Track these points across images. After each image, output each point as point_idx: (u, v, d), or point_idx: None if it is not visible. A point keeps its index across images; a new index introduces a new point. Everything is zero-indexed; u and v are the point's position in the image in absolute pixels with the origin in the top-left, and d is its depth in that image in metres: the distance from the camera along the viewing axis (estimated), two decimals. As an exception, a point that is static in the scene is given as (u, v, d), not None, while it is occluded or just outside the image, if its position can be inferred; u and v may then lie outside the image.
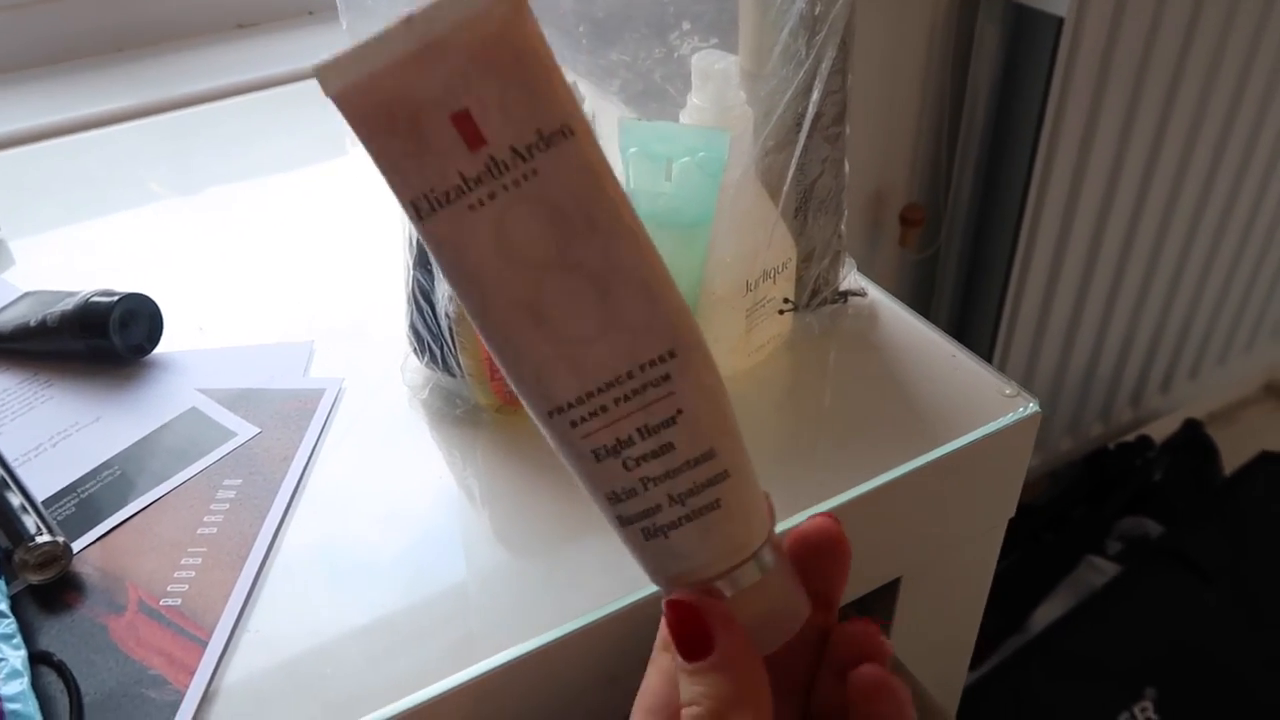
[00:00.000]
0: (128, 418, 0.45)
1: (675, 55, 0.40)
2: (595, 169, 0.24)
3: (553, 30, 0.37)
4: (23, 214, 0.61)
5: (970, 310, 1.20)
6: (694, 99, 0.40)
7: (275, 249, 0.57)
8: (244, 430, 0.44)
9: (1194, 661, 1.10)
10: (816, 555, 0.31)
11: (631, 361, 0.26)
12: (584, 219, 0.24)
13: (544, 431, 0.27)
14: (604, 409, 0.26)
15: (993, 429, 0.42)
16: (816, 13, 0.39)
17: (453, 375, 0.43)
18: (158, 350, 0.49)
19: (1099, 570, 1.20)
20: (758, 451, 0.28)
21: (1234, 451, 1.35)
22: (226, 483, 0.41)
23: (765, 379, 0.46)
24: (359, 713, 0.32)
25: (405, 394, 0.45)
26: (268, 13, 0.82)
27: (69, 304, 0.47)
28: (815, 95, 0.40)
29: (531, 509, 0.40)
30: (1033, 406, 0.43)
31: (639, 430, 0.26)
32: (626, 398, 0.26)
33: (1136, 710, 1.06)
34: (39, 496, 0.40)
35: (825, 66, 0.40)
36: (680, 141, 0.39)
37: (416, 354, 0.44)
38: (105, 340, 0.46)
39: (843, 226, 0.47)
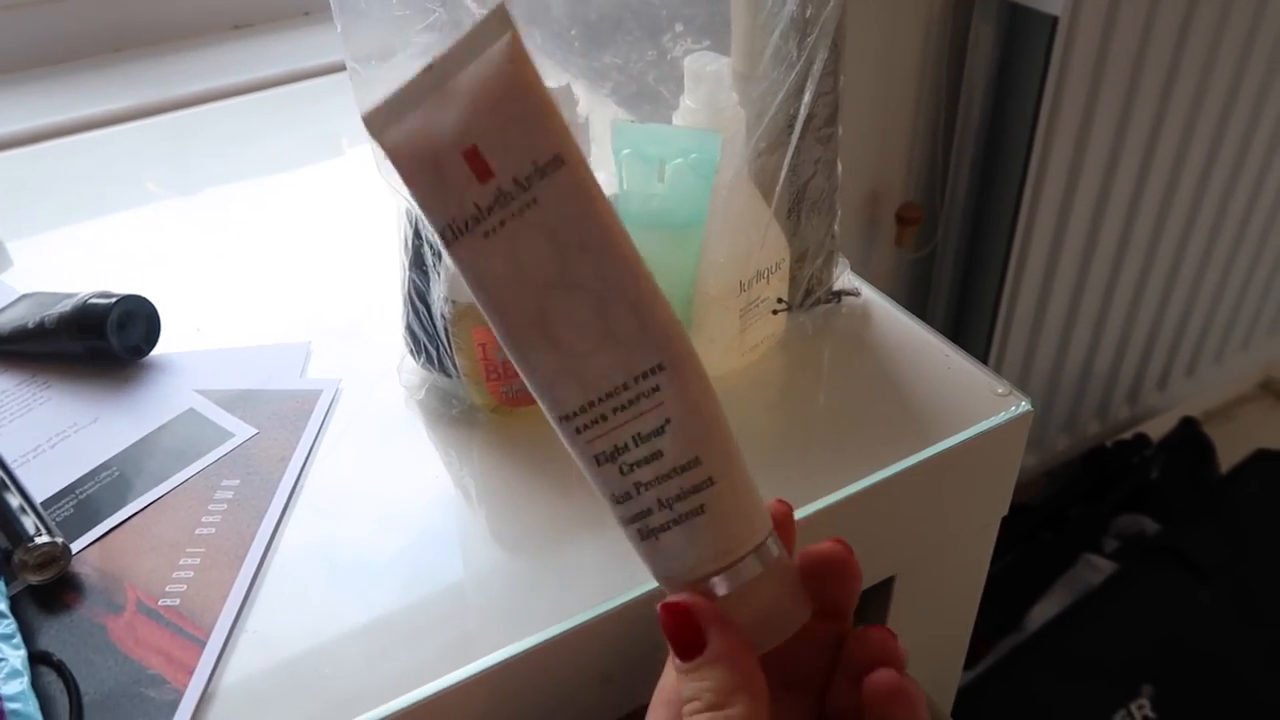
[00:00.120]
0: (126, 419, 0.45)
1: (668, 57, 0.40)
2: (586, 194, 0.26)
3: (546, 33, 0.37)
4: (20, 215, 0.61)
5: (967, 308, 1.20)
6: (686, 101, 0.40)
7: (272, 250, 0.57)
8: (241, 431, 0.44)
9: (1191, 659, 1.10)
10: (826, 578, 0.31)
11: (626, 373, 0.27)
12: (577, 242, 0.26)
13: (559, 435, 0.29)
14: (604, 417, 0.28)
15: (985, 428, 0.43)
16: (808, 15, 0.39)
17: (449, 376, 0.43)
18: (155, 351, 0.49)
19: (1096, 568, 1.20)
20: (751, 451, 0.29)
21: (1230, 449, 1.35)
22: (224, 483, 0.41)
23: (759, 378, 0.46)
24: (357, 711, 0.33)
25: (402, 394, 0.46)
26: (264, 14, 0.82)
27: (67, 305, 0.47)
28: (807, 97, 0.41)
29: (527, 509, 0.40)
30: (1025, 405, 0.43)
31: (633, 438, 0.28)
32: (623, 407, 0.27)
33: (1134, 708, 1.06)
34: (38, 497, 0.40)
35: (817, 68, 0.40)
36: (673, 143, 0.39)
37: (413, 355, 0.45)
38: (103, 341, 0.47)
39: (836, 227, 0.47)
